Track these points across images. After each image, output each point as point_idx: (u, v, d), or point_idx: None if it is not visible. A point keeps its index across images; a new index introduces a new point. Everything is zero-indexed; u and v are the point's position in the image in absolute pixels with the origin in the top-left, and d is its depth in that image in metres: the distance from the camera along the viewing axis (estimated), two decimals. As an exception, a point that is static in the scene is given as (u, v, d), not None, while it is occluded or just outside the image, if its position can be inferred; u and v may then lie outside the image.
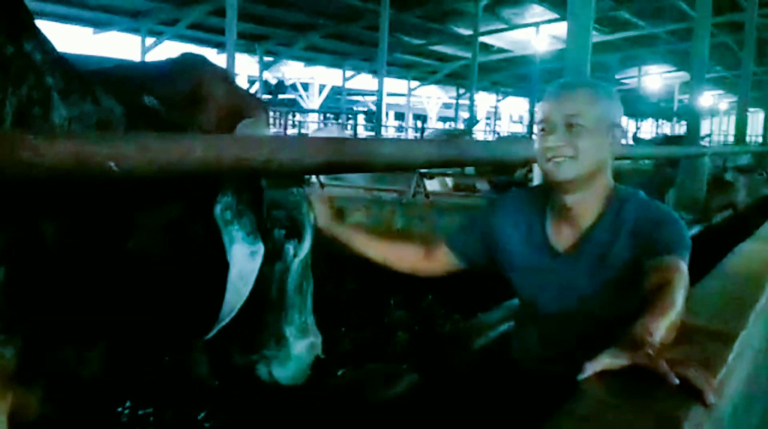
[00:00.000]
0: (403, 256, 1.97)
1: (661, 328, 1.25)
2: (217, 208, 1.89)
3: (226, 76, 3.54)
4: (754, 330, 1.64)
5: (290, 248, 1.96)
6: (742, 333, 1.47)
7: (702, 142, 14.63)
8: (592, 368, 1.15)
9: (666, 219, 1.61)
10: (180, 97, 2.79)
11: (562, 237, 1.71)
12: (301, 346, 2.01)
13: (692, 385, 1.11)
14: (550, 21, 17.44)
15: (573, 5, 3.53)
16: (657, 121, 34.44)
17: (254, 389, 3.52)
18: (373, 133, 17.73)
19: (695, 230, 5.58)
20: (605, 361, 1.16)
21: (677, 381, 1.10)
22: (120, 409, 3.59)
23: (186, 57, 3.44)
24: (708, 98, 34.27)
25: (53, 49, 1.74)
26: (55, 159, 1.05)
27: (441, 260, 1.94)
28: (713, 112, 37.79)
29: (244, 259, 1.93)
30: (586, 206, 1.67)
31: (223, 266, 1.92)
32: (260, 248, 1.89)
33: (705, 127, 34.03)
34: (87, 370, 1.89)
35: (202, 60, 3.33)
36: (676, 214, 1.67)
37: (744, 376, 1.48)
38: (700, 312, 1.59)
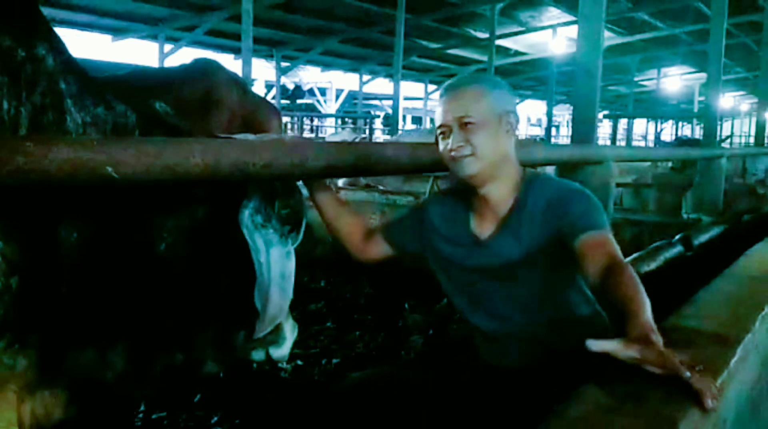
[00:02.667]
0: (350, 235, 2.04)
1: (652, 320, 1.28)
2: (245, 213, 1.94)
3: (239, 82, 3.56)
4: (760, 333, 1.62)
5: (290, 241, 2.02)
6: (747, 336, 1.45)
7: (723, 144, 14.48)
8: (598, 346, 1.18)
9: (575, 195, 1.67)
10: (193, 103, 2.81)
11: (483, 225, 1.78)
12: (289, 328, 2.20)
13: (693, 387, 1.10)
14: (567, 23, 17.36)
15: (584, 7, 3.51)
16: (677, 123, 34.11)
17: (264, 392, 3.54)
18: (390, 137, 17.75)
19: (715, 232, 5.53)
20: (612, 346, 1.18)
21: (688, 374, 1.12)
22: (134, 413, 3.63)
23: (199, 62, 3.46)
24: (729, 100, 33.94)
25: (66, 52, 1.73)
26: (52, 165, 1.07)
27: (375, 248, 2.03)
28: (734, 114, 37.37)
29: (282, 260, 2.07)
30: (499, 193, 1.73)
31: (241, 267, 2.00)
32: (292, 248, 2.02)
33: (726, 129, 33.73)
34: (111, 373, 1.90)
35: (215, 65, 3.35)
36: (584, 188, 1.73)
37: (749, 380, 1.46)
38: (704, 315, 1.58)
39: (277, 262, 1.96)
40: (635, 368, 1.25)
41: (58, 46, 1.69)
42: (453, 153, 1.67)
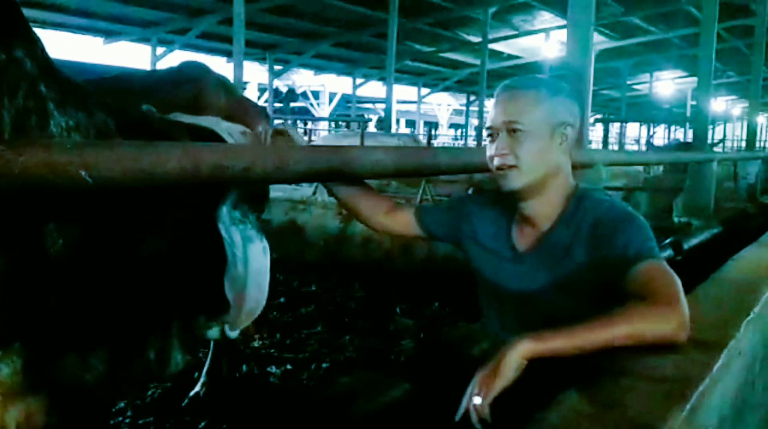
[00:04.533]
0: (373, 207, 1.93)
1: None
2: (224, 209, 1.94)
3: (227, 85, 3.55)
4: (746, 338, 1.61)
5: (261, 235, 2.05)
6: (731, 342, 1.44)
7: (716, 148, 14.51)
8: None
9: (626, 219, 1.55)
10: (181, 105, 2.80)
11: (523, 238, 1.69)
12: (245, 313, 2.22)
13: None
14: (560, 27, 17.39)
15: (573, 11, 3.51)
16: (670, 127, 34.22)
17: (252, 396, 3.51)
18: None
19: (705, 236, 5.54)
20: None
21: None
22: (120, 419, 3.60)
23: (187, 66, 3.45)
24: (721, 104, 34.08)
25: (46, 55, 1.71)
26: (24, 168, 1.05)
27: (404, 223, 1.92)
28: (727, 118, 37.52)
29: (259, 256, 2.10)
30: (543, 210, 1.63)
31: (207, 257, 2.02)
32: (266, 244, 2.01)
33: (719, 133, 33.84)
34: (91, 376, 1.88)
35: (203, 68, 3.34)
36: (635, 212, 1.61)
37: (734, 386, 1.45)
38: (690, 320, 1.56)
39: (254, 258, 1.98)
40: (620, 374, 1.24)
41: (37, 49, 1.67)
42: (496, 160, 1.57)
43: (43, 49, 1.70)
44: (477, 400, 1.31)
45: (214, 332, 2.12)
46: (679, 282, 1.39)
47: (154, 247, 1.93)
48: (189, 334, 2.07)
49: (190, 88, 3.06)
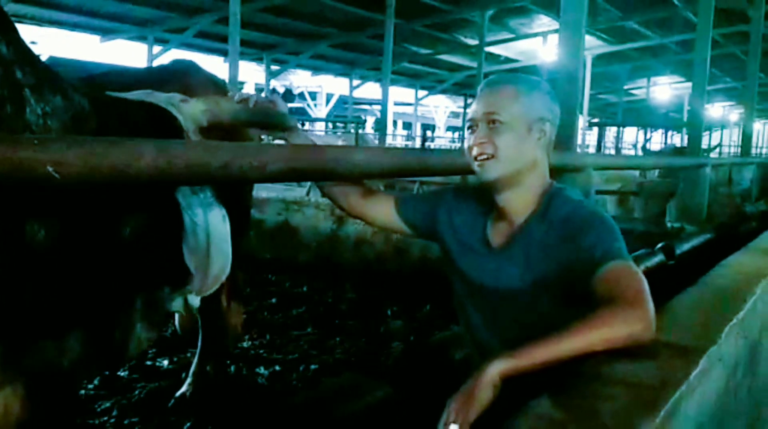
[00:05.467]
0: (350, 189, 1.94)
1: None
2: None
3: (217, 83, 3.53)
4: (729, 344, 1.60)
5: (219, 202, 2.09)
6: (712, 348, 1.43)
7: (713, 153, 14.50)
8: None
9: (594, 219, 1.57)
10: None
11: (497, 232, 1.71)
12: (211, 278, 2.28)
13: None
14: (557, 31, 17.36)
15: (566, 14, 3.50)
16: (667, 132, 34.32)
17: (239, 397, 3.49)
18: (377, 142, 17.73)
19: (697, 241, 5.52)
20: None
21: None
22: (106, 418, 3.57)
23: (177, 63, 3.44)
24: (718, 109, 34.16)
25: (20, 41, 1.68)
26: (-12, 164, 1.03)
27: (383, 211, 1.92)
28: (724, 124, 37.59)
29: (219, 223, 2.15)
30: (518, 203, 1.66)
31: (175, 232, 2.03)
32: (225, 211, 2.10)
33: (716, 139, 33.86)
34: (67, 360, 1.86)
35: (193, 67, 3.33)
36: (604, 212, 1.64)
37: (712, 393, 1.43)
38: (670, 326, 1.55)
39: (215, 224, 2.03)
40: (594, 379, 1.22)
41: (11, 35, 1.64)
42: (475, 149, 1.61)
43: (17, 35, 1.67)
44: (453, 428, 1.25)
45: (177, 304, 2.13)
46: (645, 282, 1.40)
47: (117, 220, 1.92)
48: (153, 309, 2.07)
49: (179, 85, 3.04)
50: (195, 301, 2.14)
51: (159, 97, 2.20)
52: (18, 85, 1.61)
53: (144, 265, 1.98)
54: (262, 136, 2.41)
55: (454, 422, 1.25)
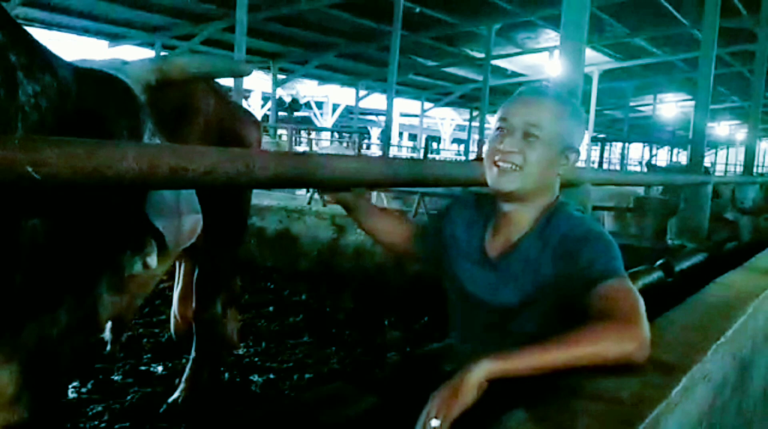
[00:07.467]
0: (391, 240, 1.96)
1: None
2: (145, 137, 1.92)
3: (218, 90, 3.54)
4: (715, 362, 1.58)
5: None
6: (696, 366, 1.42)
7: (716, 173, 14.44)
8: None
9: (592, 236, 1.53)
10: (169, 107, 2.78)
11: (495, 244, 1.67)
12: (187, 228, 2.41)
13: None
14: (563, 46, 17.39)
15: (566, 29, 3.50)
16: (672, 149, 34.30)
17: (231, 404, 3.48)
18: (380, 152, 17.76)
19: (697, 259, 5.49)
20: None
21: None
22: (97, 423, 3.56)
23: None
24: (725, 128, 34.11)
25: (12, 23, 1.63)
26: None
27: (399, 238, 1.95)
28: (730, 143, 37.54)
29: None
30: (521, 216, 1.63)
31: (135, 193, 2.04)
32: None
33: (722, 157, 33.79)
34: (56, 330, 1.85)
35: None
36: (603, 229, 1.61)
37: (695, 412, 1.42)
38: (658, 343, 1.53)
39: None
40: (573, 394, 1.21)
41: (2, 19, 1.63)
42: (500, 156, 1.55)
43: (8, 17, 1.65)
44: (435, 423, 1.25)
45: (137, 266, 2.12)
46: (641, 301, 1.37)
47: (90, 196, 1.93)
48: (115, 273, 2.09)
49: (179, 90, 3.04)
50: (152, 261, 2.14)
51: (100, 63, 2.18)
52: (12, 69, 1.59)
53: (114, 230, 1.98)
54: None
55: (436, 417, 1.24)
